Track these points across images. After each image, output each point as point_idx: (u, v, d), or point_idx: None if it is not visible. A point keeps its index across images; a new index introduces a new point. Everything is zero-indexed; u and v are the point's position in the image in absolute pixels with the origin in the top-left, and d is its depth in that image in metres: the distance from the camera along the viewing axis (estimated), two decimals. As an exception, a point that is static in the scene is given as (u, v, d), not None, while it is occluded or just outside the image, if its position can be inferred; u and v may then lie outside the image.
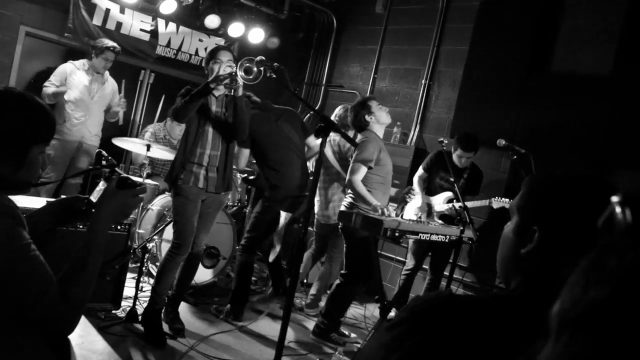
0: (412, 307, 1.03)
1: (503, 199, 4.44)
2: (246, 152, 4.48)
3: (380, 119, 4.19)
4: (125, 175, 1.72)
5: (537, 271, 1.05)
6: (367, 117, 4.15)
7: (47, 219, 1.81)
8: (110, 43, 5.35)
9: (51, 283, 1.43)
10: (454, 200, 4.64)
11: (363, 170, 4.01)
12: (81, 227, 3.44)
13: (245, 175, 5.37)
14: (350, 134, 4.57)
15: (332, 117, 4.89)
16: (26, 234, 1.43)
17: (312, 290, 4.97)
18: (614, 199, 0.80)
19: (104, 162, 1.90)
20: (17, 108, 1.49)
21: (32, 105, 1.52)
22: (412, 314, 1.01)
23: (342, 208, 4.18)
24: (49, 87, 5.20)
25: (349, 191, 4.15)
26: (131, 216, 4.13)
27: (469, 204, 4.26)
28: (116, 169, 1.79)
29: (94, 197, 1.78)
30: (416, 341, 0.96)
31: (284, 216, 4.61)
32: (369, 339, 1.04)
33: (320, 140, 2.81)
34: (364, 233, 4.01)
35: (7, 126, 1.46)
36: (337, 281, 4.28)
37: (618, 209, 0.70)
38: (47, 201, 1.89)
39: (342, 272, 4.27)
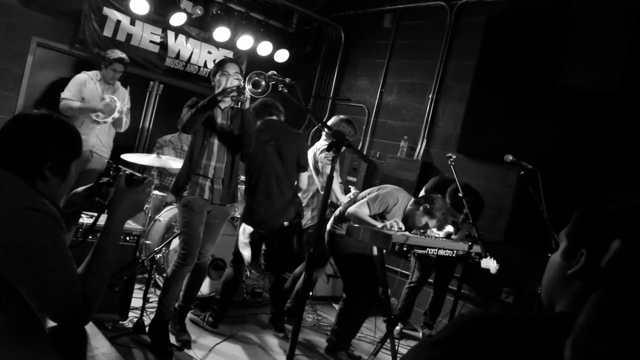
0: (461, 325, 1.03)
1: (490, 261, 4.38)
2: (305, 175, 4.46)
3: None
4: (129, 172, 1.83)
5: (582, 293, 1.07)
6: None
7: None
8: (119, 55, 5.30)
9: (77, 282, 1.58)
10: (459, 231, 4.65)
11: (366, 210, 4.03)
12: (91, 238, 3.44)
13: None
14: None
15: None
16: (63, 235, 1.60)
17: None
18: (615, 244, 0.83)
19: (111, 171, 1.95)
20: (61, 130, 1.72)
21: (70, 127, 1.75)
22: (460, 332, 1.01)
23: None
24: (72, 100, 5.16)
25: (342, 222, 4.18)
26: (139, 227, 4.15)
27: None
28: (120, 167, 1.86)
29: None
30: (464, 359, 0.96)
31: (242, 227, 4.37)
32: (407, 354, 1.03)
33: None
34: (354, 250, 4.03)
35: (56, 145, 1.68)
36: (341, 299, 4.24)
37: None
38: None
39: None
